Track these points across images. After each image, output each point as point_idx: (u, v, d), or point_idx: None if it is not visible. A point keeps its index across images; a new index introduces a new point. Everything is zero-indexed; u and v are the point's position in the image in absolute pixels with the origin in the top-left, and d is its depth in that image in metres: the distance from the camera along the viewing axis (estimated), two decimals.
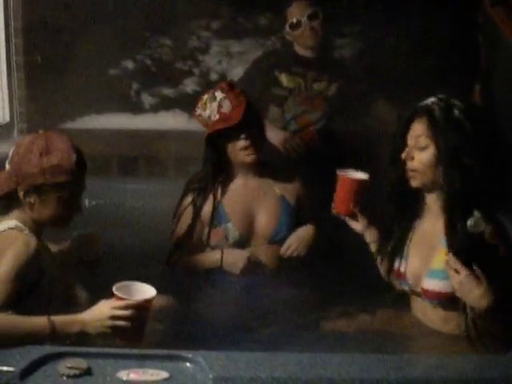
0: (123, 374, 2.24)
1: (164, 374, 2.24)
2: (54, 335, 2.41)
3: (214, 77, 5.13)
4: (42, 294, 2.59)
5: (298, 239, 3.39)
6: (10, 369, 2.23)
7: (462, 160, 2.63)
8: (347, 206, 2.99)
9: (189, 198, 3.40)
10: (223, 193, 3.39)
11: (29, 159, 2.61)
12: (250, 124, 3.30)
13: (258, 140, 3.35)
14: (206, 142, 3.36)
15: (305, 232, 3.41)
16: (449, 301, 2.67)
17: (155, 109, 5.09)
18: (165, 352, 2.35)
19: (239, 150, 3.32)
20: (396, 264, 2.84)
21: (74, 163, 2.63)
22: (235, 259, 3.31)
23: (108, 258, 2.97)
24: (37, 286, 2.57)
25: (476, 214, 2.60)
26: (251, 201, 3.40)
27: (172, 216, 3.44)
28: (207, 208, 3.37)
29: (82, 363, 2.25)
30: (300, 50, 4.22)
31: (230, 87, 3.33)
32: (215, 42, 5.20)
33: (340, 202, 3.01)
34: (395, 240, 2.84)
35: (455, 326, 2.69)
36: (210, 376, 2.22)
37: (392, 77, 4.49)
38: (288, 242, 3.39)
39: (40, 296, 2.58)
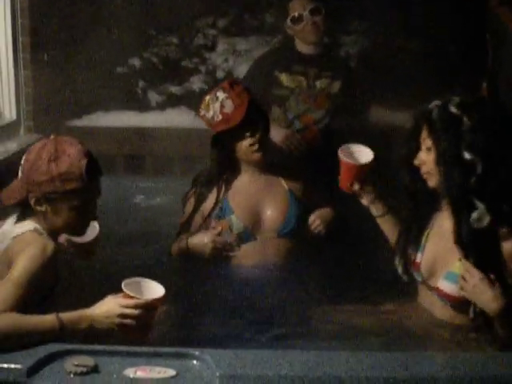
0: (130, 372, 2.24)
1: (171, 372, 2.24)
2: (63, 332, 2.37)
3: (220, 74, 5.13)
4: (56, 301, 2.52)
5: (321, 216, 3.43)
6: (17, 366, 2.23)
7: (462, 156, 2.61)
8: (348, 186, 3.08)
9: (193, 190, 3.43)
10: (228, 188, 3.39)
11: (38, 166, 2.53)
12: (254, 121, 3.31)
13: (264, 137, 3.35)
14: (212, 141, 3.38)
15: (326, 212, 3.45)
16: (460, 304, 2.68)
17: (162, 106, 5.09)
18: (172, 350, 2.35)
19: (245, 147, 3.33)
20: (412, 255, 2.83)
21: (85, 169, 2.53)
22: (200, 241, 3.31)
23: (114, 255, 2.97)
24: (51, 292, 2.51)
25: (480, 208, 2.59)
26: (258, 195, 3.40)
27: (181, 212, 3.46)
28: (210, 201, 3.39)
29: (89, 361, 2.25)
30: (301, 46, 4.21)
31: (232, 86, 3.33)
32: (221, 40, 5.20)
33: (342, 181, 3.10)
34: (413, 230, 2.85)
35: (461, 320, 2.70)
36: (217, 374, 2.22)
37: (398, 75, 4.48)
38: (312, 217, 3.41)
39: (52, 303, 2.50)
